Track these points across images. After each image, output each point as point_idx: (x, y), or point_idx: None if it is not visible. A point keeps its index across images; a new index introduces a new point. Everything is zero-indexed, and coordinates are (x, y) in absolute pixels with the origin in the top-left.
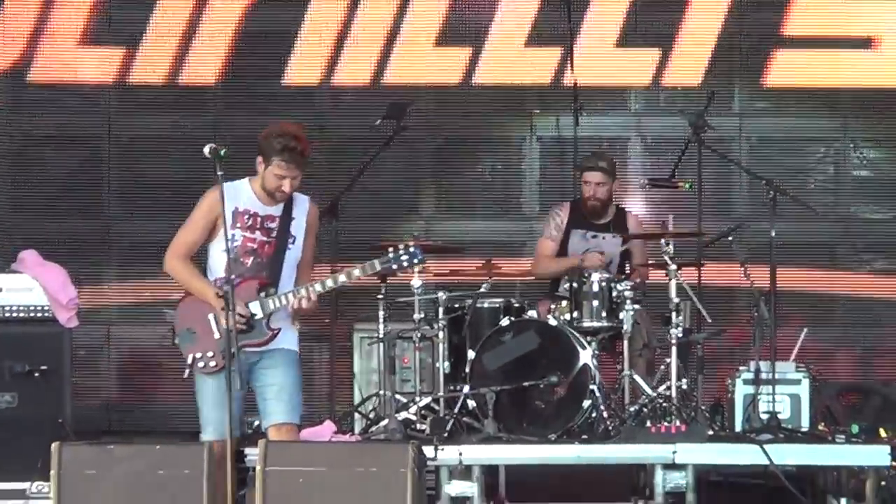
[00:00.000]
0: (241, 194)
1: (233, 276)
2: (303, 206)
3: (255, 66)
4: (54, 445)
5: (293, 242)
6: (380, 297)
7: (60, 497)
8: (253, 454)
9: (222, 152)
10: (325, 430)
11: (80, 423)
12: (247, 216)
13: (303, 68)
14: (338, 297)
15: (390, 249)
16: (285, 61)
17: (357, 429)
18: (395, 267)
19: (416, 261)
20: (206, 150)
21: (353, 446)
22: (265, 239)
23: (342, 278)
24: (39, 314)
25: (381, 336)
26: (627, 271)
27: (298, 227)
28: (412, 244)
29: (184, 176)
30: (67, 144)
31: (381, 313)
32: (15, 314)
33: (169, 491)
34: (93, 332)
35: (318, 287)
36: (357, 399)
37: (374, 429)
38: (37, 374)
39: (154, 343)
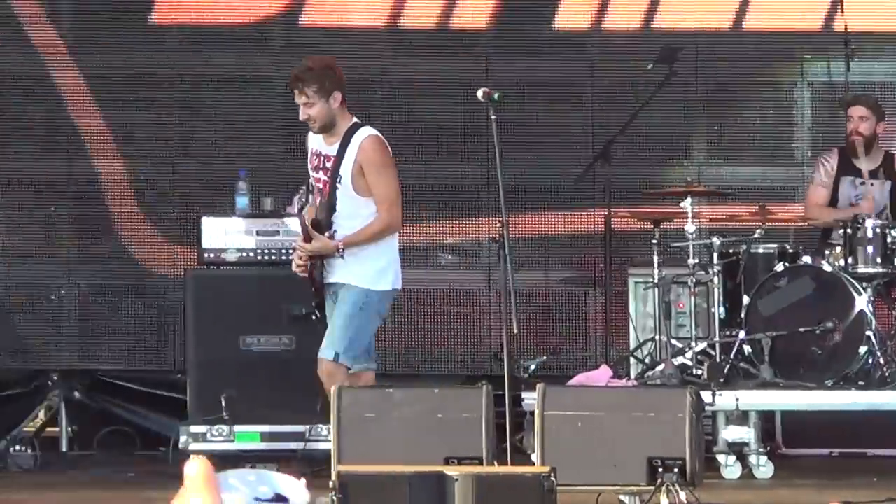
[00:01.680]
0: (318, 136)
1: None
2: (355, 144)
3: (527, 9)
4: (334, 388)
5: (340, 182)
6: (654, 241)
7: (340, 440)
8: (531, 398)
9: (495, 96)
10: (602, 375)
11: None
12: (314, 157)
13: (574, 12)
14: (610, 241)
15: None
16: (557, 5)
17: (633, 374)
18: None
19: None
20: (479, 94)
21: (630, 391)
22: (325, 178)
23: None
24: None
25: (656, 281)
26: None
27: (346, 167)
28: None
29: (454, 120)
30: None
31: (655, 258)
32: (291, 257)
33: (447, 435)
34: None
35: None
36: (633, 344)
37: (650, 374)
38: (314, 318)
39: (431, 287)
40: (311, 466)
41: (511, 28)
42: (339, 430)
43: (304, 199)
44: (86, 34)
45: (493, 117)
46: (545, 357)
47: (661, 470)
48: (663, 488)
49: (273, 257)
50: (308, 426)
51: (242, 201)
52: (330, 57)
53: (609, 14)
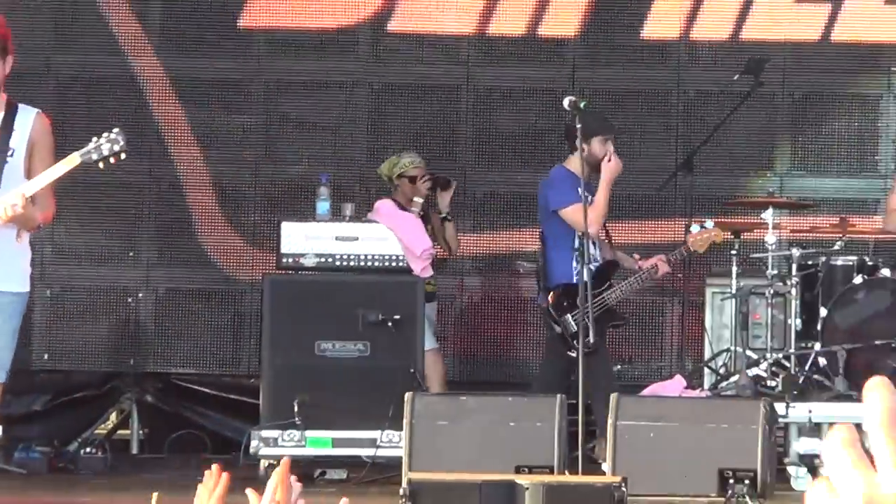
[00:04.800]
0: None
1: None
2: (26, 118)
3: (615, 18)
4: (407, 395)
5: (11, 155)
6: (733, 252)
7: (412, 446)
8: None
9: (582, 104)
10: (675, 386)
11: None
12: None
13: (662, 22)
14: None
15: (94, 138)
16: (645, 14)
17: (707, 384)
18: (95, 157)
19: (117, 147)
20: (566, 102)
21: (703, 402)
22: None
23: (48, 176)
24: (394, 264)
25: (733, 292)
26: None
27: (20, 140)
28: (115, 131)
29: (538, 127)
30: (425, 93)
31: (734, 269)
32: (370, 263)
33: (519, 443)
34: (445, 283)
35: (24, 189)
36: (707, 354)
37: (724, 384)
38: (389, 324)
39: (507, 294)
40: (382, 473)
41: (599, 37)
42: (411, 437)
43: None
44: (173, 36)
45: (578, 126)
46: (619, 366)
47: (732, 481)
48: (734, 499)
49: (352, 263)
50: (380, 432)
51: (323, 206)
52: None
53: (697, 24)
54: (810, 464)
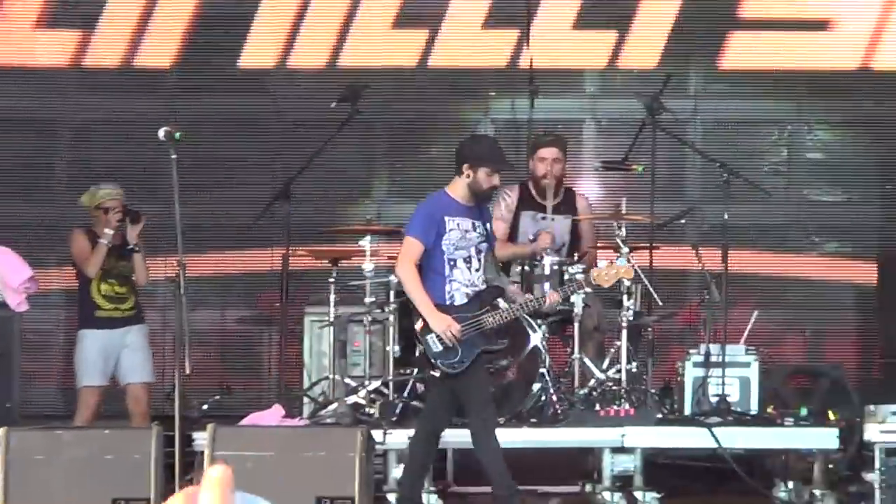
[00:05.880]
0: None
1: None
2: None
3: (211, 48)
4: (1, 431)
5: None
6: (331, 280)
7: (7, 482)
8: (201, 438)
9: (177, 135)
10: (274, 415)
11: (29, 408)
12: None
13: (259, 51)
14: (289, 279)
15: None
16: (241, 44)
17: (306, 413)
18: None
19: None
20: (161, 133)
21: (301, 431)
22: None
23: None
24: None
25: (331, 319)
26: (578, 254)
27: None
28: None
29: (138, 159)
30: (22, 127)
31: (331, 296)
32: None
33: (116, 475)
34: (43, 317)
35: None
36: (306, 383)
37: (323, 413)
38: None
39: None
40: None
41: (195, 66)
42: (7, 473)
43: None
44: None
45: (173, 157)
46: (218, 396)
47: None
48: None
49: None
50: None
51: None
52: None
53: (295, 52)
54: None
